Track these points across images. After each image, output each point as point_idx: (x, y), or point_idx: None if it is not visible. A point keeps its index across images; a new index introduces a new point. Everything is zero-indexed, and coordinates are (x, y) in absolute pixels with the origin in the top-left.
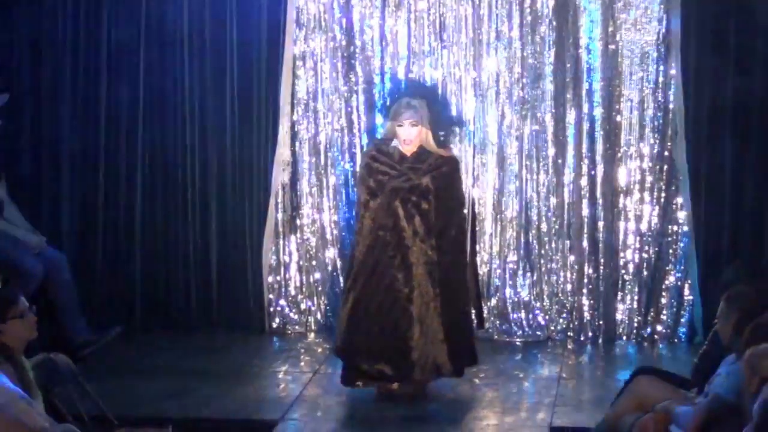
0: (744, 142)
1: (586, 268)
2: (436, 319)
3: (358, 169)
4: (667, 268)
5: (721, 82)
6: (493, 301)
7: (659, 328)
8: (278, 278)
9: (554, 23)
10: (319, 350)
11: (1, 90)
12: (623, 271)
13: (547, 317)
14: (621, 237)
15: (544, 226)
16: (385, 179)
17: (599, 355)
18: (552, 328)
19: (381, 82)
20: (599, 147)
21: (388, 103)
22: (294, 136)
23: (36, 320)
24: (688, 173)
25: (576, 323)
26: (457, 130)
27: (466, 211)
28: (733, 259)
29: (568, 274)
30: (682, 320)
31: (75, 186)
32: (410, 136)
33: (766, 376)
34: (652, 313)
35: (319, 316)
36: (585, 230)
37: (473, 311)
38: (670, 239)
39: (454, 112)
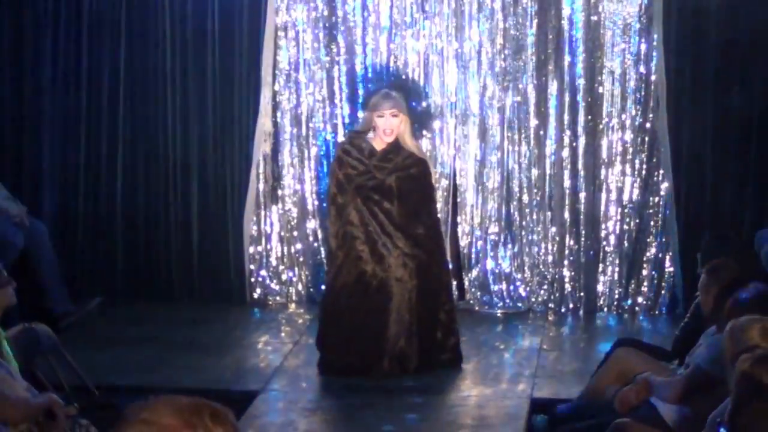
0: (725, 113)
1: (567, 239)
2: (410, 309)
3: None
4: (648, 239)
5: (702, 54)
6: (474, 273)
7: (640, 299)
8: (259, 249)
9: None
10: (300, 321)
11: None
12: (604, 243)
13: (528, 289)
14: (602, 208)
15: (525, 198)
16: (353, 173)
17: (580, 327)
18: (533, 299)
19: (363, 52)
20: (581, 118)
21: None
22: (275, 106)
23: (15, 286)
24: (669, 145)
25: (557, 295)
26: (435, 125)
27: (439, 206)
28: (712, 229)
29: (550, 246)
30: (663, 292)
31: (56, 155)
32: (391, 126)
33: (746, 348)
34: (633, 285)
35: (300, 287)
36: (566, 202)
37: (456, 294)
38: (651, 211)
39: (434, 95)
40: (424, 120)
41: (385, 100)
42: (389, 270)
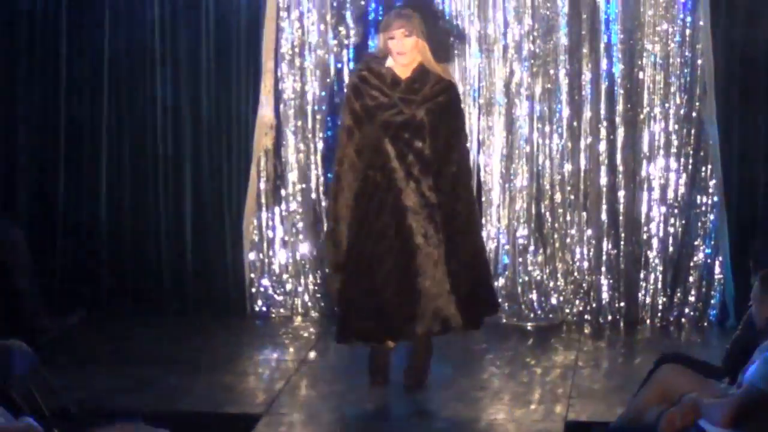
0: None
1: (604, 243)
2: (441, 267)
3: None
4: (695, 243)
5: (755, 35)
6: (502, 281)
7: (687, 310)
8: (261, 255)
9: None
10: (307, 335)
11: None
12: (646, 247)
13: (561, 298)
14: (644, 209)
15: (557, 197)
16: (373, 105)
17: (620, 341)
18: (567, 310)
19: (374, 35)
20: (619, 108)
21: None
22: (278, 95)
23: None
24: (718, 136)
25: (594, 305)
26: (456, 44)
27: (469, 144)
28: (766, 230)
29: (585, 250)
30: (713, 301)
31: (33, 153)
32: (404, 48)
33: None
34: (678, 294)
35: (306, 297)
36: (603, 201)
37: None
38: (698, 211)
39: (452, 23)
40: (448, 42)
41: (396, 20)
42: (413, 226)
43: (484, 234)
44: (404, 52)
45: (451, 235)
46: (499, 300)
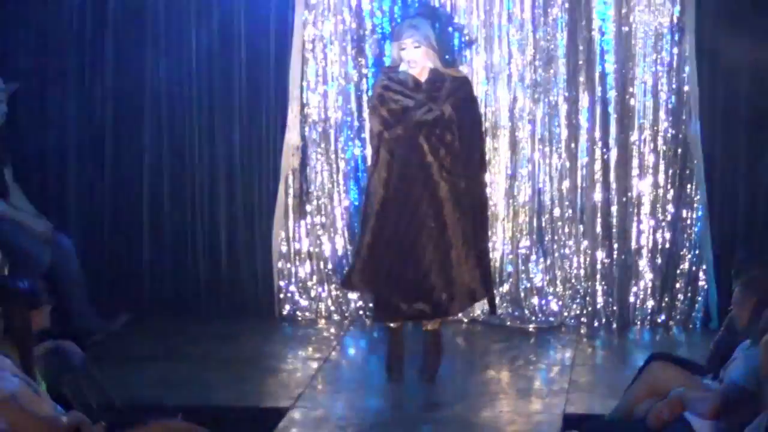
0: (760, 124)
1: (599, 253)
2: (469, 245)
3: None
4: (681, 253)
5: (736, 64)
6: (506, 287)
7: (674, 314)
8: (288, 264)
9: (567, 5)
10: (330, 337)
11: (10, 79)
12: (637, 257)
13: (560, 303)
14: (634, 222)
15: (556, 211)
16: (400, 109)
17: (613, 341)
18: (565, 314)
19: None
20: (612, 130)
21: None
22: (303, 120)
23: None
24: (702, 156)
25: (589, 309)
26: (467, 53)
27: (483, 129)
28: (747, 241)
29: (582, 260)
30: (697, 306)
31: (82, 171)
32: (414, 56)
33: None
34: (666, 299)
35: (329, 302)
36: (598, 215)
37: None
38: (684, 224)
39: (464, 33)
40: (458, 48)
41: (406, 31)
42: (449, 216)
43: (490, 244)
44: (415, 61)
45: (475, 214)
46: (504, 304)
